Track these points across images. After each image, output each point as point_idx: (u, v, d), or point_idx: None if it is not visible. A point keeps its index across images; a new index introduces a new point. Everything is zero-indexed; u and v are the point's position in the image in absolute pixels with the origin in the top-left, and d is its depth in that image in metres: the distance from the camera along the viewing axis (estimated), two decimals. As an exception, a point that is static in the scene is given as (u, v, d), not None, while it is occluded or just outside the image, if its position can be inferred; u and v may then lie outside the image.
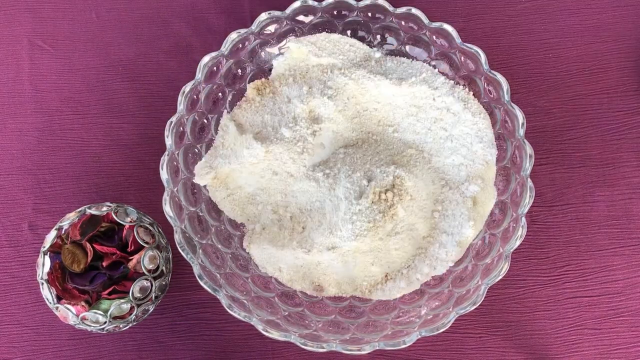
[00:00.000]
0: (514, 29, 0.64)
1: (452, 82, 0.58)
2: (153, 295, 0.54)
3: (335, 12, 0.58)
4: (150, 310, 0.55)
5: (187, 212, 0.56)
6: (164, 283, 0.55)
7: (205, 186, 0.58)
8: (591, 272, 0.60)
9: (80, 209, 0.54)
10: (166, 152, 0.55)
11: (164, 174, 0.54)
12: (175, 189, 0.55)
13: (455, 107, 0.57)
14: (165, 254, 0.55)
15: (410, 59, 0.59)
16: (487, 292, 0.52)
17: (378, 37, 0.60)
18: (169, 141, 0.55)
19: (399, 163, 0.57)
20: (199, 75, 0.56)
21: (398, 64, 0.59)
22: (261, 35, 0.58)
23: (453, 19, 0.64)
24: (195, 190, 0.58)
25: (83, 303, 0.52)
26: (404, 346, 0.51)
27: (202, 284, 0.52)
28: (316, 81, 0.58)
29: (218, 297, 0.52)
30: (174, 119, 0.55)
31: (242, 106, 0.59)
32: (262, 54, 0.60)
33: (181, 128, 0.56)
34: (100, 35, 0.65)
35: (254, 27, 0.56)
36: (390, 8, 0.56)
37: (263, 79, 0.60)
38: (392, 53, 0.60)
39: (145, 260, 0.53)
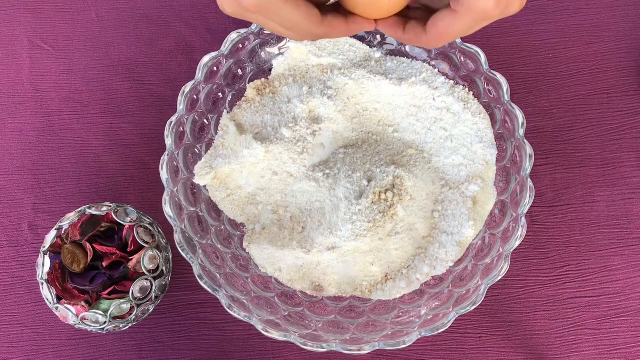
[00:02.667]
0: (514, 29, 0.64)
1: (452, 82, 0.58)
2: (153, 295, 0.54)
3: (335, 12, 0.58)
4: (150, 310, 0.55)
5: (187, 212, 0.56)
6: (164, 283, 0.55)
7: (205, 186, 0.58)
8: (591, 272, 0.60)
9: (80, 209, 0.54)
10: (166, 152, 0.55)
11: (164, 174, 0.54)
12: (175, 189, 0.55)
13: (455, 107, 0.57)
14: (165, 254, 0.55)
15: (410, 59, 0.59)
16: (487, 292, 0.52)
17: (378, 37, 0.60)
18: (169, 141, 0.55)
19: (399, 163, 0.57)
20: (199, 75, 0.56)
21: (398, 64, 0.59)
22: (261, 35, 0.58)
23: (453, 19, 0.64)
24: (195, 190, 0.58)
25: (83, 303, 0.53)
26: (404, 346, 0.51)
27: (202, 284, 0.53)
28: (316, 81, 0.58)
29: (218, 297, 0.52)
30: (174, 119, 0.55)
31: (242, 106, 0.59)
32: (262, 54, 0.60)
33: (181, 128, 0.56)
34: (100, 35, 0.65)
35: (254, 27, 0.56)
36: (390, 8, 0.56)
37: (263, 79, 0.60)
38: (392, 53, 0.60)
39: (145, 260, 0.53)
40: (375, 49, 0.60)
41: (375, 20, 0.40)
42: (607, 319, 0.59)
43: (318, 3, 0.39)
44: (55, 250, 0.53)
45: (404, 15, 0.41)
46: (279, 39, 0.59)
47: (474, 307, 0.52)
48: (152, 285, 0.53)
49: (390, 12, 0.40)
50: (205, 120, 0.59)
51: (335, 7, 0.41)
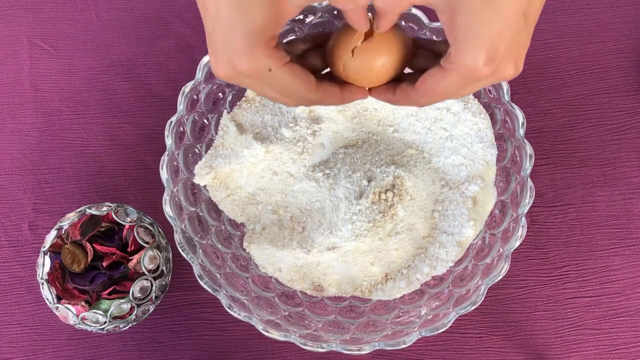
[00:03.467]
0: (514, 29, 0.64)
1: (452, 82, 0.58)
2: (153, 295, 0.54)
3: (335, 12, 0.58)
4: (150, 310, 0.55)
5: (187, 212, 0.56)
6: (164, 283, 0.55)
7: (205, 186, 0.58)
8: (591, 272, 0.60)
9: (80, 209, 0.54)
10: (166, 152, 0.55)
11: (164, 174, 0.54)
12: (175, 189, 0.55)
13: (455, 107, 0.57)
14: (165, 254, 0.55)
15: (410, 59, 0.59)
16: (487, 292, 0.52)
17: (378, 37, 0.60)
18: (169, 141, 0.55)
19: (399, 163, 0.57)
20: (199, 75, 0.56)
21: (398, 64, 0.59)
22: (261, 35, 0.58)
23: (453, 19, 0.64)
24: (195, 190, 0.58)
25: (83, 303, 0.53)
26: (404, 346, 0.51)
27: (202, 284, 0.52)
28: (316, 81, 0.58)
29: (218, 297, 0.52)
30: (174, 119, 0.55)
31: (242, 106, 0.59)
32: (262, 54, 0.60)
33: (181, 128, 0.56)
34: (100, 35, 0.65)
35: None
36: (390, 8, 0.56)
37: (263, 79, 0.60)
38: (392, 53, 0.60)
39: (145, 260, 0.53)
40: (375, 49, 0.60)
41: (369, 89, 0.41)
42: (607, 319, 0.59)
43: (313, 69, 0.39)
44: (55, 250, 0.53)
45: (397, 79, 0.40)
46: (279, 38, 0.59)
47: (474, 307, 0.52)
48: (152, 285, 0.53)
49: (383, 81, 0.40)
50: (205, 120, 0.59)
51: (329, 75, 0.40)
